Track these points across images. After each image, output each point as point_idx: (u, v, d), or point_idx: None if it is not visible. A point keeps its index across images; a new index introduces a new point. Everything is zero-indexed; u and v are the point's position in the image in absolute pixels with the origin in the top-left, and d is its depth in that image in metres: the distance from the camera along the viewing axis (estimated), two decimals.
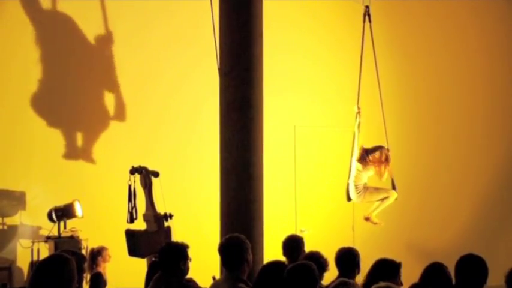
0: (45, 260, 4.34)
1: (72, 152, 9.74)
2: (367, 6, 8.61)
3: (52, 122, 9.74)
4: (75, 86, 9.87)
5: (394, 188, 8.72)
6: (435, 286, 5.13)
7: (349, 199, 8.73)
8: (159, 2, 10.10)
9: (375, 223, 8.83)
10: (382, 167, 8.56)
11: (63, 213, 8.90)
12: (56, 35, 9.75)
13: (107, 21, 9.88)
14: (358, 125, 8.57)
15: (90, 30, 9.87)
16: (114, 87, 10.00)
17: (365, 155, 8.56)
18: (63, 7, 9.64)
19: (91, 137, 9.83)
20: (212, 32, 7.70)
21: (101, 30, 9.88)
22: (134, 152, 9.57)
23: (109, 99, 10.00)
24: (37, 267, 4.24)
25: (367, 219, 8.83)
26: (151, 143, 10.00)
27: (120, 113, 9.95)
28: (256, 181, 7.45)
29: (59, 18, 9.71)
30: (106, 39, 9.88)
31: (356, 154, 8.57)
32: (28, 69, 9.62)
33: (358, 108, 8.62)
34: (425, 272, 5.12)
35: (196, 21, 9.73)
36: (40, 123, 9.64)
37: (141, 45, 10.06)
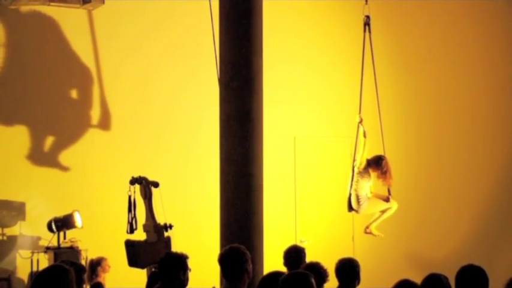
0: (44, 270, 4.33)
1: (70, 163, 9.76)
2: (367, 16, 8.62)
3: (52, 133, 9.75)
4: (75, 96, 9.88)
5: (389, 193, 8.72)
6: None
7: (350, 209, 8.66)
8: (159, 12, 10.13)
9: (376, 235, 8.79)
10: (382, 179, 8.57)
11: (63, 223, 8.89)
12: (53, 45, 9.77)
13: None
14: (364, 134, 8.54)
15: (89, 41, 9.90)
16: (114, 98, 10.03)
17: (367, 166, 8.55)
18: (61, 14, 9.65)
19: (92, 148, 9.84)
20: (212, 42, 7.71)
21: (101, 40, 9.92)
22: (134, 163, 9.57)
23: (110, 109, 10.02)
24: (36, 278, 4.24)
25: (367, 232, 8.79)
26: (151, 153, 10.00)
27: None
28: (256, 192, 7.44)
29: (54, 30, 9.75)
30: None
31: (357, 163, 8.54)
32: (28, 79, 9.64)
33: (361, 118, 8.59)
34: (424, 283, 5.10)
35: (196, 32, 9.76)
36: (40, 133, 9.65)
37: (141, 56, 10.08)
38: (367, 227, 8.79)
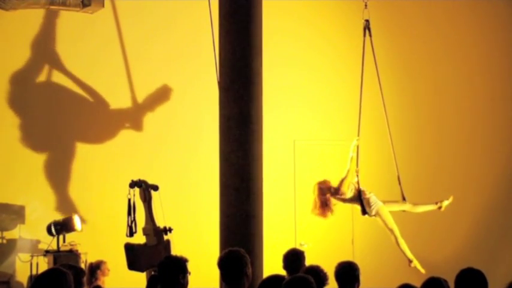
0: (43, 274, 4.34)
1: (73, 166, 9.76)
2: (367, 20, 8.61)
3: (52, 136, 9.75)
4: (75, 98, 9.89)
5: (404, 199, 8.75)
6: None
7: (364, 213, 8.68)
8: (158, 16, 10.14)
9: (422, 271, 8.79)
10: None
11: (63, 227, 8.89)
12: (53, 48, 9.77)
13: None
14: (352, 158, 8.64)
15: (89, 45, 9.91)
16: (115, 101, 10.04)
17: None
18: (61, 20, 9.65)
19: (91, 151, 9.84)
20: (212, 46, 7.72)
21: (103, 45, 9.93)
22: (134, 166, 9.57)
23: (110, 112, 10.02)
24: (34, 281, 4.24)
25: (412, 266, 8.84)
26: (151, 157, 10.00)
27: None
28: (256, 195, 7.44)
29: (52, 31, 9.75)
30: None
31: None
32: (28, 82, 9.65)
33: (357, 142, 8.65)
34: (424, 287, 5.09)
35: (196, 36, 9.77)
36: (40, 137, 9.65)
37: (141, 61, 10.08)
38: (410, 262, 8.80)
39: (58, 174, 9.66)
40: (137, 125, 10.11)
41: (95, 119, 9.96)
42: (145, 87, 10.14)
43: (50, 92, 9.76)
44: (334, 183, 8.68)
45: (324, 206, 8.66)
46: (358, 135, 8.69)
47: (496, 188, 11.62)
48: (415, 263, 8.81)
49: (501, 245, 11.53)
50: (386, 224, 8.74)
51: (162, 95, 10.17)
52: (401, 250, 8.80)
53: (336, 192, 8.66)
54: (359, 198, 8.59)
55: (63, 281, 4.16)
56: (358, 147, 8.63)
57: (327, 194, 8.65)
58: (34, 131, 9.65)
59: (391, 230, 8.73)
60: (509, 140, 11.78)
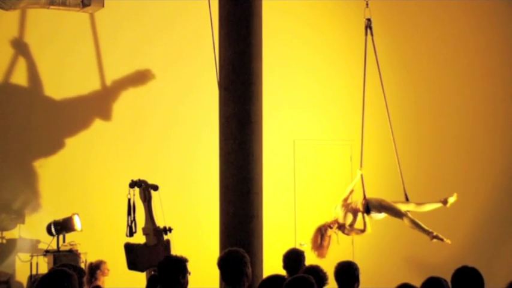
0: (48, 275, 4.32)
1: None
2: (368, 19, 8.59)
3: (52, 136, 9.76)
4: (74, 98, 9.89)
5: (407, 199, 8.68)
6: None
7: (368, 212, 8.62)
8: (159, 17, 10.14)
9: (447, 241, 8.64)
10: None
11: (62, 226, 8.89)
12: (54, 48, 9.78)
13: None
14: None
15: (89, 45, 9.91)
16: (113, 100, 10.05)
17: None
18: (59, 22, 9.65)
19: (91, 151, 9.84)
20: (212, 46, 7.73)
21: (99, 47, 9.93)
22: (134, 166, 9.58)
23: (109, 112, 10.03)
24: (39, 282, 4.22)
25: (435, 237, 8.64)
26: (151, 156, 10.00)
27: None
28: (256, 195, 7.44)
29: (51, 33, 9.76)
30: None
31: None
32: (28, 82, 9.64)
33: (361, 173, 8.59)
34: (424, 286, 5.10)
35: (196, 36, 9.78)
36: (39, 136, 9.65)
37: (141, 61, 10.09)
38: (431, 234, 8.58)
39: (58, 174, 9.66)
40: (138, 123, 10.14)
41: (94, 119, 9.96)
42: (145, 87, 10.14)
43: (49, 91, 9.76)
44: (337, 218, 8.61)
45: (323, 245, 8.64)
46: (361, 166, 8.55)
47: (496, 189, 11.64)
48: (437, 233, 8.59)
49: (501, 245, 11.54)
50: (393, 209, 8.49)
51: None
52: (419, 228, 8.48)
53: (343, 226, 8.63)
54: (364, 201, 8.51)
55: (68, 282, 4.14)
56: (362, 176, 8.49)
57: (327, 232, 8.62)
58: (34, 131, 9.64)
59: (400, 213, 8.50)
60: (510, 140, 11.79)
